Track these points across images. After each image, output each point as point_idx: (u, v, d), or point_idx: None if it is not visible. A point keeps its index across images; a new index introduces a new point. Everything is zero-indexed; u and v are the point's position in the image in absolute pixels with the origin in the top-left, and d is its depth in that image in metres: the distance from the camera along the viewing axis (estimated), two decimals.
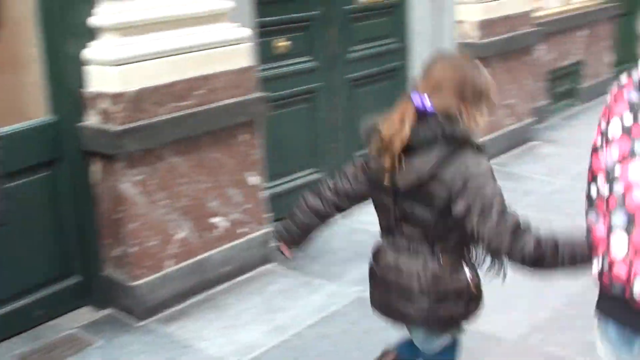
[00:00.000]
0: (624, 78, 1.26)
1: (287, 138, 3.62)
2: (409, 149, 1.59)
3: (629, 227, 1.14)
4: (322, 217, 1.83)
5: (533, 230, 1.50)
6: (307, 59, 3.70)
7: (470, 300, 1.68)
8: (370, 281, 1.80)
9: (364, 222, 3.50)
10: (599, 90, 5.76)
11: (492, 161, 3.99)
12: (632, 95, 1.21)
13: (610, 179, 1.19)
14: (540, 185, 4.12)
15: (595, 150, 1.27)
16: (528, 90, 4.85)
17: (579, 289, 2.55)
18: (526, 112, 4.87)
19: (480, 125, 1.65)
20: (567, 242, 1.46)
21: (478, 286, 1.68)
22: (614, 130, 1.21)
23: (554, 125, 5.38)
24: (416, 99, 1.61)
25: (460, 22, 4.33)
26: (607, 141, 1.22)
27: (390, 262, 1.70)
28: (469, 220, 1.53)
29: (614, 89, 1.27)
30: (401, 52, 4.23)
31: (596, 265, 1.23)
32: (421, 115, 1.60)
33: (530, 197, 3.89)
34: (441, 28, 4.25)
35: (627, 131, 1.19)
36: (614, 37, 6.24)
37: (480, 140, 1.69)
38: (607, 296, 1.23)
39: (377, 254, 1.77)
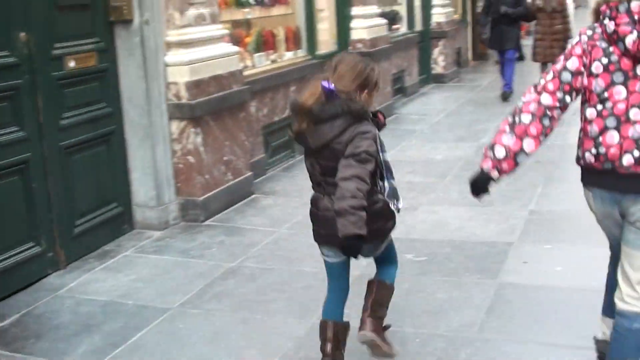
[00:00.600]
0: (590, 33, 2.76)
1: (0, 213, 4.42)
2: (319, 121, 2.96)
3: (618, 126, 2.68)
4: None
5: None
6: (14, 129, 4.54)
7: (389, 215, 3.20)
8: (313, 223, 3.21)
9: (90, 292, 4.44)
10: None
11: (215, 218, 5.36)
12: (602, 44, 2.72)
13: (601, 99, 2.72)
14: (263, 236, 5.45)
15: (561, 70, 2.81)
16: (245, 145, 6.29)
17: (303, 332, 3.86)
18: (245, 167, 6.31)
19: (371, 103, 3.11)
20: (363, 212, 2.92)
21: (389, 206, 3.17)
22: (596, 69, 2.72)
23: (274, 177, 6.99)
24: (324, 83, 2.95)
25: (171, 84, 5.59)
26: (592, 75, 2.73)
27: (327, 205, 3.07)
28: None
29: (589, 41, 2.75)
30: (114, 117, 5.36)
31: (589, 155, 2.78)
32: (328, 95, 2.95)
33: (254, 249, 5.20)
34: (152, 91, 5.47)
35: (606, 69, 2.70)
36: None
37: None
38: (597, 172, 2.78)
39: (315, 202, 3.18)
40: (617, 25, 2.64)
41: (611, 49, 2.69)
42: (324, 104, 2.93)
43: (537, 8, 10.90)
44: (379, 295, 3.34)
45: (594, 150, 2.76)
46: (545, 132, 2.84)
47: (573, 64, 2.78)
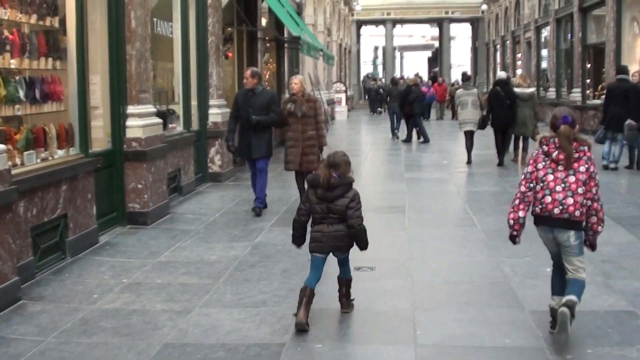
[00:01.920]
0: (536, 152, 5.52)
1: None
2: (335, 188, 5.99)
3: (551, 193, 5.34)
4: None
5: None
6: None
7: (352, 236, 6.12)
8: (315, 241, 6.05)
9: None
10: (87, 242, 7.96)
11: None
12: (542, 150, 5.46)
13: (542, 181, 5.40)
14: (29, 346, 5.36)
15: (533, 172, 5.46)
16: (11, 248, 6.23)
17: None
18: (11, 271, 6.21)
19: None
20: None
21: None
22: (539, 165, 5.43)
23: (42, 281, 6.91)
24: (335, 174, 5.95)
25: None
26: (537, 169, 5.42)
27: (327, 229, 6.00)
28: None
29: (536, 151, 5.53)
30: None
31: (537, 207, 5.42)
32: (336, 178, 5.96)
33: None
34: None
35: (545, 166, 5.42)
36: (97, 189, 8.33)
37: None
38: (541, 218, 5.44)
39: (319, 229, 6.03)
40: (547, 147, 5.45)
41: (546, 158, 5.46)
42: (337, 181, 5.97)
43: (288, 112, 10.31)
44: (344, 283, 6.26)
45: (538, 207, 5.45)
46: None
47: (530, 168, 5.51)
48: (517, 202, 5.53)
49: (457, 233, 8.94)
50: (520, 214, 5.50)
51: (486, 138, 16.58)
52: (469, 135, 16.15)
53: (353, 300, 6.22)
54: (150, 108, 9.91)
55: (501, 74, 16.80)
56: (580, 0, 23.66)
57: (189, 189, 11.75)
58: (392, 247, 7.66)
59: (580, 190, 5.33)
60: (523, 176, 5.56)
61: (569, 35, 26.18)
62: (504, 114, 15.16)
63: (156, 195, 9.67)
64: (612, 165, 14.14)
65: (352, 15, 47.83)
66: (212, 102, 13.24)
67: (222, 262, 7.63)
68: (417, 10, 50.48)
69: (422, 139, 21.40)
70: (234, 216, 10.03)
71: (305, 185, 9.36)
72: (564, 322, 5.16)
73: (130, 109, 9.39)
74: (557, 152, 5.38)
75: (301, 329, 5.65)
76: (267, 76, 19.98)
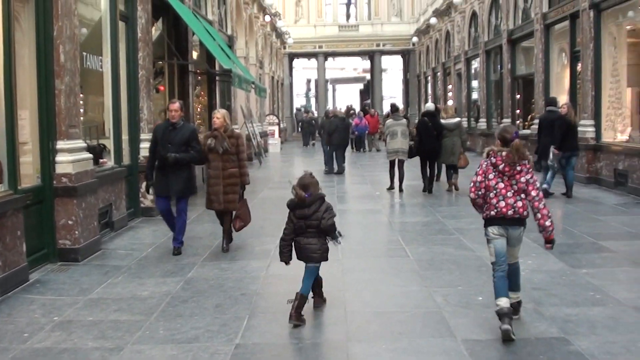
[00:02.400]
0: (486, 163, 6.58)
1: None
2: (308, 205, 6.93)
3: (504, 197, 6.45)
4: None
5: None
6: None
7: (327, 247, 7.11)
8: (297, 251, 7.01)
9: None
10: (17, 280, 7.92)
11: None
12: (490, 161, 6.55)
13: (494, 187, 6.49)
14: None
15: (482, 181, 6.53)
16: None
17: None
18: None
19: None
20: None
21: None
22: (489, 175, 6.51)
23: None
24: (306, 195, 6.92)
25: None
26: (488, 179, 6.50)
27: (307, 241, 6.94)
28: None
29: (484, 162, 6.61)
30: None
31: (492, 211, 6.48)
32: (308, 197, 6.91)
33: None
34: None
35: (495, 176, 6.50)
36: (26, 226, 8.26)
37: None
38: (497, 219, 6.49)
39: (299, 241, 6.96)
40: (495, 159, 6.49)
41: (494, 170, 6.52)
42: (309, 199, 6.89)
43: (208, 149, 9.91)
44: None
45: (493, 210, 6.49)
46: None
47: (479, 177, 6.56)
48: (472, 194, 6.66)
49: (389, 264, 9.09)
50: (479, 210, 6.77)
51: (417, 169, 16.91)
52: (400, 164, 16.86)
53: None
54: (80, 143, 9.88)
55: (429, 106, 17.46)
56: (509, 32, 24.42)
57: (121, 224, 11.69)
58: (326, 278, 7.73)
59: (523, 195, 6.49)
60: (472, 184, 6.63)
61: (499, 66, 26.93)
62: (431, 144, 16.13)
63: (87, 231, 9.61)
64: (549, 191, 14.78)
65: (285, 48, 48.27)
66: (143, 136, 13.18)
67: (154, 298, 7.63)
68: (348, 43, 51.21)
69: (336, 169, 22.01)
70: (166, 251, 10.00)
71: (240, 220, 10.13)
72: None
73: (60, 144, 9.35)
74: (503, 164, 6.48)
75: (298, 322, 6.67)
76: (198, 109, 20.00)
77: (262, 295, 7.70)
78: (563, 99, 19.84)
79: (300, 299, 6.72)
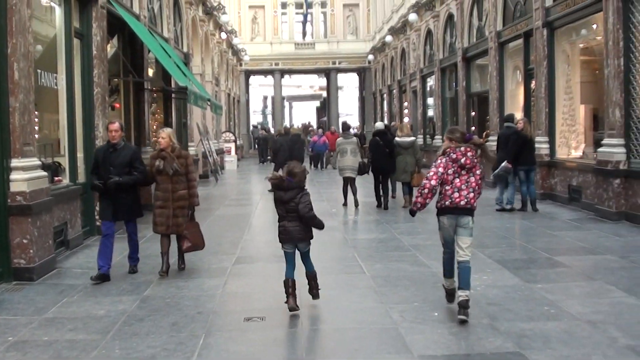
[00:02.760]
0: (445, 158, 7.46)
1: None
2: (288, 190, 7.73)
3: (458, 189, 7.35)
4: None
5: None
6: None
7: (310, 229, 7.87)
8: (282, 235, 7.75)
9: None
10: None
11: None
12: (450, 157, 7.43)
13: (451, 182, 7.38)
14: None
15: (443, 173, 7.38)
16: None
17: None
18: None
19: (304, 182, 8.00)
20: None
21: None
22: (450, 171, 7.38)
23: None
24: (289, 178, 7.71)
25: None
26: (447, 173, 7.37)
27: (288, 224, 7.70)
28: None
29: (443, 158, 7.48)
30: None
31: (447, 202, 7.38)
32: (289, 182, 7.72)
33: None
34: None
35: (454, 171, 7.38)
36: None
37: None
38: (449, 208, 7.41)
39: (282, 224, 7.74)
40: (455, 155, 7.35)
41: (454, 164, 7.36)
42: (289, 184, 7.67)
43: (156, 170, 9.56)
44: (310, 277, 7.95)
45: (448, 201, 7.36)
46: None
47: (441, 169, 7.36)
48: (425, 191, 7.44)
49: (346, 280, 9.16)
50: (428, 201, 7.49)
51: (372, 185, 17.08)
52: (350, 181, 17.33)
53: (320, 289, 7.97)
54: (35, 161, 9.82)
55: (379, 125, 17.91)
56: (464, 50, 24.78)
57: (76, 242, 11.61)
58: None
59: (476, 187, 7.48)
60: (433, 173, 7.44)
61: (454, 84, 27.27)
62: (383, 162, 16.64)
63: (42, 250, 9.54)
64: (507, 207, 15.36)
65: (241, 65, 48.32)
66: None
67: (110, 317, 7.61)
68: (304, 61, 51.44)
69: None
70: (122, 269, 9.94)
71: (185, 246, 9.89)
72: (464, 321, 7.11)
73: (14, 163, 9.28)
74: (464, 158, 7.38)
75: (294, 311, 7.51)
76: (154, 127, 19.95)
77: (218, 313, 7.72)
78: (518, 116, 20.19)
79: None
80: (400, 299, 8.05)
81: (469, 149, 7.40)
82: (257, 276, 9.56)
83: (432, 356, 6.17)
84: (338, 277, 9.33)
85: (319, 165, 33.61)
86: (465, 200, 7.37)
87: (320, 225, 7.73)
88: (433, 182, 7.36)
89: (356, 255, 10.79)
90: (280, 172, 8.11)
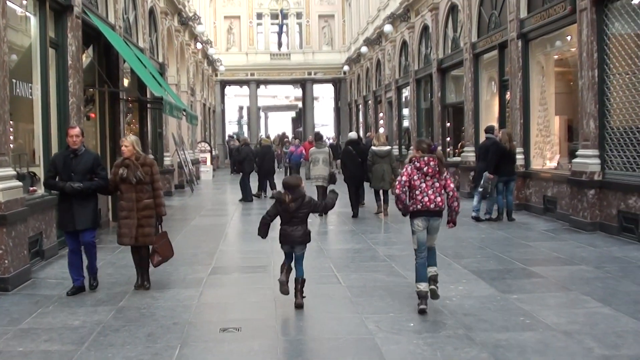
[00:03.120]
0: (410, 166, 8.26)
1: None
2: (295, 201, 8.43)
3: (427, 194, 8.11)
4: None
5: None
6: None
7: (309, 231, 8.68)
8: (283, 238, 8.45)
9: None
10: None
11: None
12: (415, 165, 8.22)
13: (419, 186, 8.14)
14: None
15: (407, 181, 8.16)
16: None
17: None
18: None
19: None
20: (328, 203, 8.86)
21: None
22: (414, 177, 8.16)
23: None
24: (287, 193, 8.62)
25: None
26: (413, 180, 8.13)
27: (291, 229, 8.42)
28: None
29: (408, 166, 8.27)
30: None
31: (419, 205, 8.10)
32: (297, 196, 8.52)
33: None
34: None
35: (419, 177, 8.15)
36: None
37: None
38: (421, 212, 8.13)
39: (285, 229, 8.44)
40: (419, 163, 8.12)
41: (418, 172, 8.12)
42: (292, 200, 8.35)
43: (120, 179, 9.27)
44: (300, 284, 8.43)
45: (419, 204, 8.06)
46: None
47: (405, 177, 8.13)
48: (398, 190, 8.24)
49: (321, 291, 9.16)
50: (401, 205, 8.27)
51: (347, 196, 17.18)
52: (321, 190, 17.89)
53: (304, 297, 8.39)
54: (10, 171, 9.78)
55: (352, 135, 18.88)
56: (439, 61, 24.93)
57: (52, 252, 11.54)
58: (258, 306, 7.80)
59: (442, 191, 8.22)
60: (398, 183, 8.29)
61: (429, 94, 27.40)
62: (355, 170, 17.28)
63: (17, 260, 9.49)
64: (485, 217, 15.59)
65: (216, 75, 48.29)
66: None
67: (85, 327, 7.57)
68: (280, 71, 51.51)
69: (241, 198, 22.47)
70: (98, 279, 9.91)
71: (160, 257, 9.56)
72: (435, 294, 8.11)
73: None
74: (426, 167, 8.17)
75: (284, 290, 8.32)
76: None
77: (194, 324, 7.70)
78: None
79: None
80: (376, 309, 8.08)
81: (431, 159, 8.19)
82: (233, 287, 9.57)
83: None
84: (314, 288, 9.33)
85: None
86: (434, 203, 8.16)
87: (334, 203, 8.84)
88: (397, 191, 8.24)
89: (332, 265, 10.82)
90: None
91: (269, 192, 22.88)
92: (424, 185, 8.12)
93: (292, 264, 8.51)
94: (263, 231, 8.52)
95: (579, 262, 10.59)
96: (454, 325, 7.28)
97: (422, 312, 7.82)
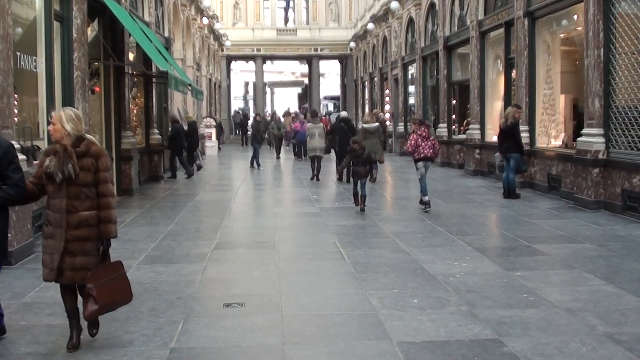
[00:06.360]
0: (416, 128, 14.42)
1: None
2: None
3: (425, 149, 14.17)
4: None
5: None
6: None
7: (370, 169, 15.40)
8: (354, 173, 14.52)
9: None
10: None
11: None
12: (417, 133, 14.33)
13: (420, 144, 14.21)
14: None
15: (415, 143, 14.22)
16: None
17: None
18: None
19: None
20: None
21: None
22: (419, 141, 14.23)
23: None
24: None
25: None
26: (417, 140, 14.20)
27: (357, 167, 14.47)
28: None
29: (413, 134, 14.34)
30: None
31: (421, 155, 14.12)
32: None
33: None
34: None
35: (421, 140, 14.21)
36: None
37: None
38: (421, 158, 14.20)
39: (354, 167, 14.62)
40: (420, 131, 14.19)
41: (419, 137, 14.19)
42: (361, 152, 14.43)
43: (46, 175, 5.81)
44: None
45: (422, 154, 14.09)
46: None
47: (413, 139, 14.24)
48: (410, 149, 14.11)
49: (326, 267, 9.13)
50: (412, 156, 14.35)
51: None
52: (318, 160, 21.22)
53: (365, 206, 13.93)
54: (14, 144, 9.70)
55: (344, 113, 24.14)
56: (445, 38, 24.79)
57: None
58: (262, 282, 7.76)
59: (434, 145, 14.06)
60: (409, 142, 14.16)
61: (435, 72, 27.30)
62: (346, 144, 18.31)
63: (20, 234, 9.45)
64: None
65: (222, 50, 48.10)
66: None
67: None
68: (286, 47, 51.37)
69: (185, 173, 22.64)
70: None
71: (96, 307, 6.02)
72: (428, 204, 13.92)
73: None
74: (425, 133, 13.88)
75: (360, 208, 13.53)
76: (135, 111, 19.81)
77: (197, 299, 7.67)
78: (498, 105, 20.26)
79: (364, 198, 13.91)
80: (380, 286, 8.04)
81: (424, 129, 14.12)
82: (237, 262, 9.53)
83: (411, 342, 6.15)
84: (318, 263, 9.30)
85: (302, 155, 30.05)
86: (429, 153, 13.91)
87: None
88: (410, 149, 14.19)
89: (336, 241, 10.77)
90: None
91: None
92: (423, 144, 13.88)
93: (358, 188, 13.82)
94: (340, 173, 16.37)
95: (583, 240, 10.55)
96: (457, 301, 7.23)
97: (427, 211, 13.51)
